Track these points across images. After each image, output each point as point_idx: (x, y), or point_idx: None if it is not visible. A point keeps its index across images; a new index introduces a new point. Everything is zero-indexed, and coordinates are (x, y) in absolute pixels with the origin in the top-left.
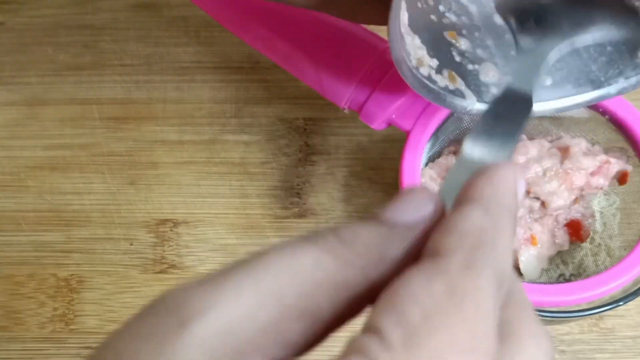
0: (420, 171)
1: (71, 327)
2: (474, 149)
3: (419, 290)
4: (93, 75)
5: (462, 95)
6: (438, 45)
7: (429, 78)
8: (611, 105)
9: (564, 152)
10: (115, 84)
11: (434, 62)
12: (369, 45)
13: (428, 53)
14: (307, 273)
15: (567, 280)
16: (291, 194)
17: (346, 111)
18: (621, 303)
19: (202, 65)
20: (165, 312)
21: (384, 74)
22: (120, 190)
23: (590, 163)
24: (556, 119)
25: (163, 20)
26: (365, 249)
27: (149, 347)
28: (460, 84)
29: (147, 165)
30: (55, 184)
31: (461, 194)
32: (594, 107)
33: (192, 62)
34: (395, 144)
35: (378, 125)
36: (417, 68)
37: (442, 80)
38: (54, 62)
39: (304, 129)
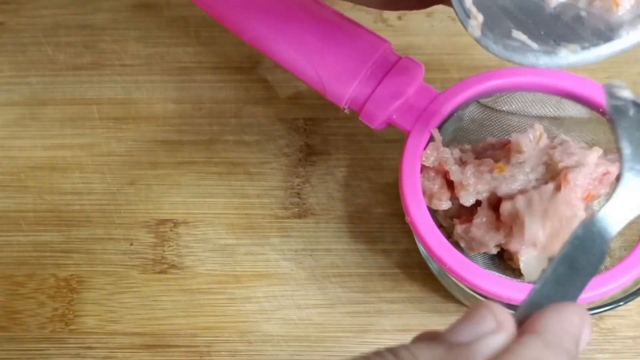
0: (420, 171)
1: (71, 327)
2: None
3: None
4: (93, 75)
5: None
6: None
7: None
8: None
9: (563, 180)
10: (115, 84)
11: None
12: (369, 45)
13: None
14: None
15: None
16: (291, 194)
17: (346, 111)
18: (621, 303)
19: (202, 65)
20: None
21: (384, 74)
22: (120, 190)
23: (588, 184)
24: (556, 119)
25: (163, 20)
26: None
27: None
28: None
29: (147, 165)
30: (55, 184)
31: (528, 322)
32: (594, 107)
33: (192, 62)
34: (395, 144)
35: (378, 125)
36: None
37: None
38: (53, 62)
39: (304, 129)
